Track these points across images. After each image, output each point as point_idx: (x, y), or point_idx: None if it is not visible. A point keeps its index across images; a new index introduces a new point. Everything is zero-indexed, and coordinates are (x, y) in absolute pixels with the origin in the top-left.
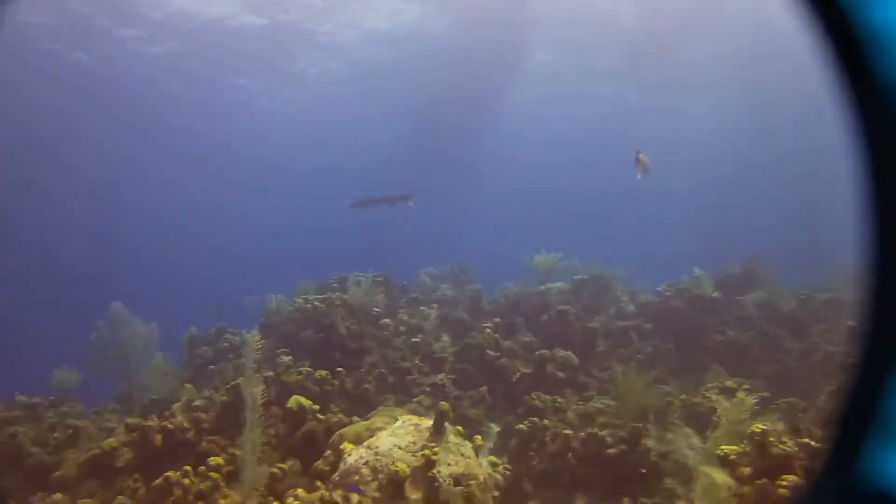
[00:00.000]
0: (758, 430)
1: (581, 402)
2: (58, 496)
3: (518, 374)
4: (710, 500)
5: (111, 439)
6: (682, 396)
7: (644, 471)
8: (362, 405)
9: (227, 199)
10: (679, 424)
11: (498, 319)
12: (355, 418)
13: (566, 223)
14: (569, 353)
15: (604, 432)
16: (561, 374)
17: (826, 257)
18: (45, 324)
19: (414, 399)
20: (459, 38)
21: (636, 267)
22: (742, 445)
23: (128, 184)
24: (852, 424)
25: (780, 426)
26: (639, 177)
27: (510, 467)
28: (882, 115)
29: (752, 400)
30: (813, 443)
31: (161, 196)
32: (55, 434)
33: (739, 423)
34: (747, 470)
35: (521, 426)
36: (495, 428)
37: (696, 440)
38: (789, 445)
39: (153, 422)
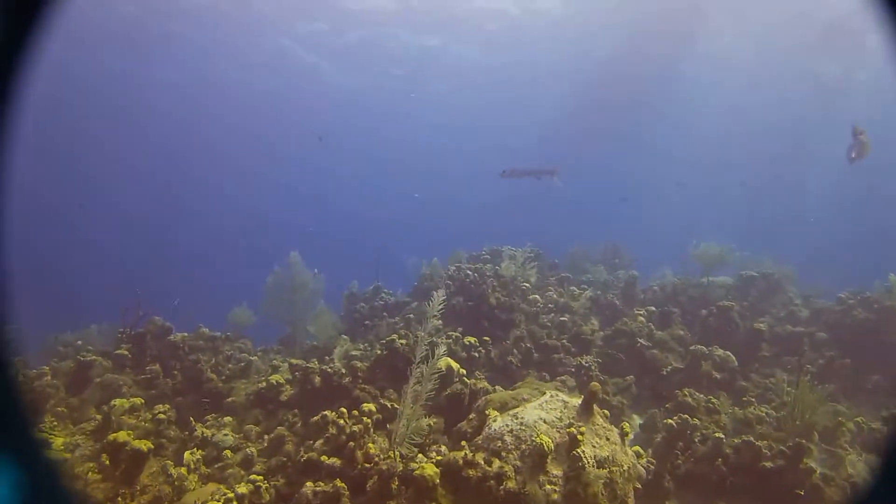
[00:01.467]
0: None
1: (737, 407)
2: (228, 419)
3: (669, 368)
4: None
5: (277, 375)
6: (858, 419)
7: (801, 492)
8: (505, 377)
9: (400, 176)
10: (848, 449)
11: (653, 308)
12: (498, 387)
13: (734, 215)
14: (728, 353)
15: (762, 443)
16: (717, 375)
17: None
18: (229, 264)
19: (558, 378)
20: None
21: (807, 269)
22: None
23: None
24: None
25: None
26: (853, 158)
27: (654, 461)
28: None
29: None
30: None
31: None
32: (230, 365)
33: None
34: None
35: (670, 421)
36: (638, 420)
37: (864, 468)
38: None
39: (314, 365)
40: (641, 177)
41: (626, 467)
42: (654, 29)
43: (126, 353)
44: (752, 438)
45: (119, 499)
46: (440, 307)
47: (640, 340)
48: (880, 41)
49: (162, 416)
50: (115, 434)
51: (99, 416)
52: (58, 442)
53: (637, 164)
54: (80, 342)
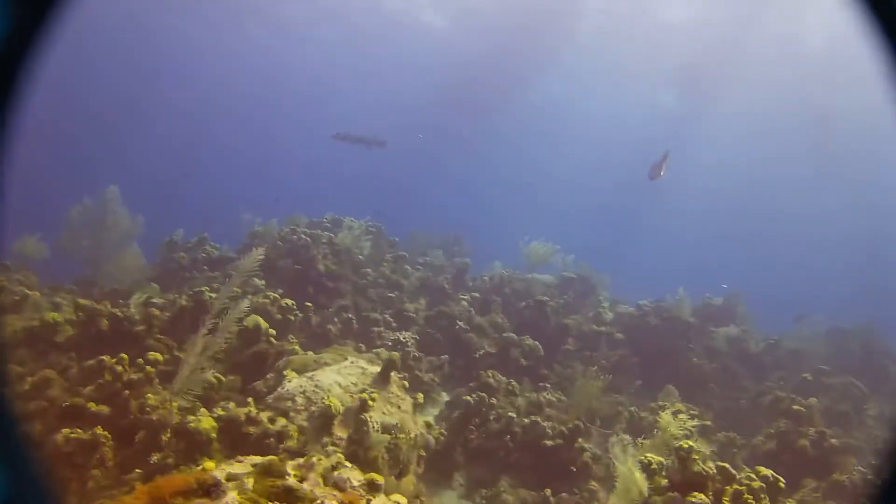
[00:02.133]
0: (685, 447)
1: (535, 392)
2: None
3: (482, 351)
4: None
5: (55, 314)
6: (633, 408)
7: (574, 468)
8: (322, 344)
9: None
10: (622, 434)
11: (476, 295)
12: (310, 353)
13: (571, 218)
14: (536, 343)
15: (546, 423)
16: (523, 361)
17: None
18: (21, 188)
19: (374, 350)
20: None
21: (631, 278)
22: (667, 459)
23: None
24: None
25: (707, 449)
26: (651, 177)
27: (445, 433)
28: None
29: (693, 423)
30: (748, 480)
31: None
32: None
33: (673, 439)
34: (664, 481)
35: (468, 398)
36: (445, 396)
37: (631, 450)
38: (710, 468)
39: (104, 307)
40: (495, 176)
41: (412, 435)
42: (516, 40)
43: None
44: (539, 419)
45: None
46: (256, 265)
47: (460, 323)
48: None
49: None
50: None
51: None
52: None
53: (491, 164)
54: None
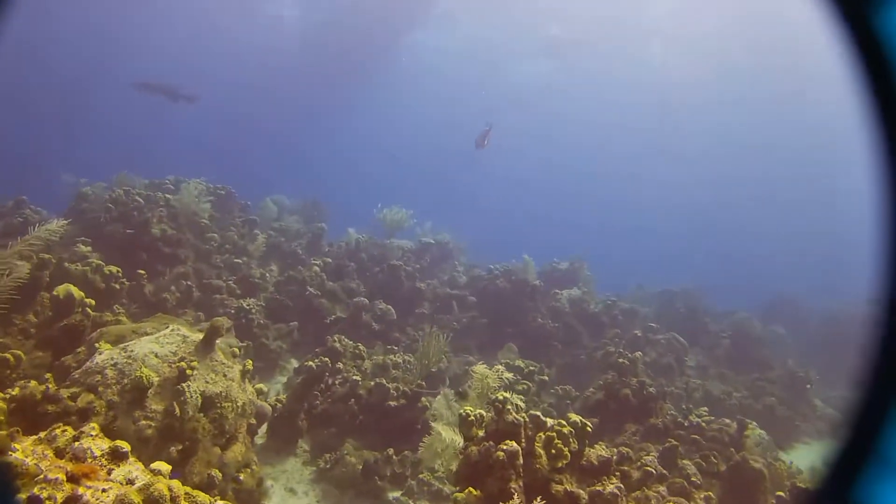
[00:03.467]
0: (500, 398)
1: (383, 355)
2: None
3: (333, 317)
4: (437, 456)
5: None
6: (481, 366)
7: (419, 426)
8: (158, 314)
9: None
10: (468, 392)
11: (329, 260)
12: (129, 323)
13: (428, 185)
14: (389, 307)
15: (391, 385)
16: (376, 326)
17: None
18: None
19: (214, 319)
20: None
21: (485, 244)
22: (484, 410)
23: None
24: (850, 455)
25: (517, 399)
26: (477, 146)
27: (283, 400)
28: None
29: (509, 375)
30: (558, 426)
31: None
32: None
33: (490, 392)
34: (480, 432)
35: (311, 363)
36: (295, 363)
37: (455, 405)
38: (523, 417)
39: None
40: (358, 142)
41: (240, 403)
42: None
43: None
44: (384, 381)
45: None
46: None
47: (310, 289)
48: None
49: None
50: None
51: None
52: None
53: (355, 128)
54: None
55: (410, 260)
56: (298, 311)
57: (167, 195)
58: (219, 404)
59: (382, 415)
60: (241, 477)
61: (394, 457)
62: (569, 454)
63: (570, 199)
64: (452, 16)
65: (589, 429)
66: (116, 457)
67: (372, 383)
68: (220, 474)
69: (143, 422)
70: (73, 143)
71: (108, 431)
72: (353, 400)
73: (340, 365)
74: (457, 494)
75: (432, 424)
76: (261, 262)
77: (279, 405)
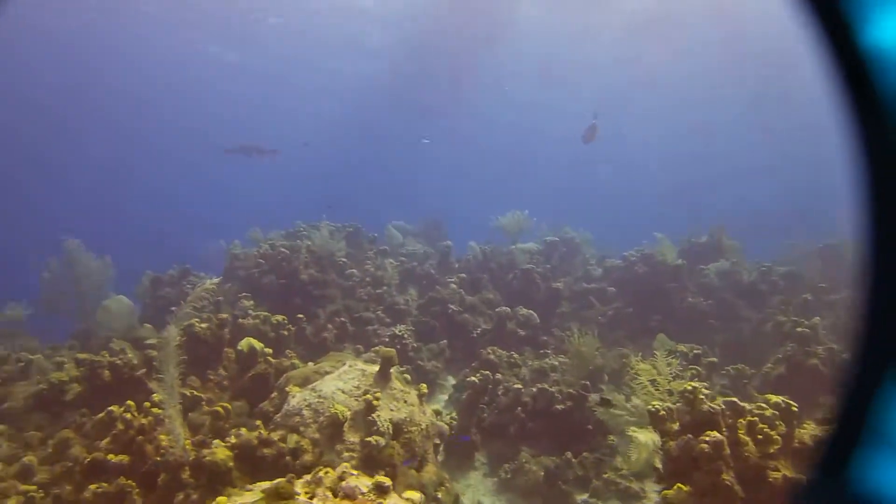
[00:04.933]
0: (689, 388)
1: (537, 360)
2: (1, 427)
3: (479, 330)
4: (638, 455)
5: (60, 373)
6: (638, 358)
7: (590, 427)
8: (321, 353)
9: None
10: (632, 385)
11: (464, 275)
12: (310, 364)
13: (538, 189)
14: (531, 311)
15: (554, 388)
16: (521, 332)
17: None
18: None
19: (372, 349)
20: None
21: (607, 232)
22: (672, 402)
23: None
24: (844, 431)
25: (701, 386)
26: (584, 141)
27: (456, 418)
28: (884, 133)
29: (674, 361)
30: (758, 409)
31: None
32: (5, 367)
33: (671, 382)
34: (675, 426)
35: (473, 378)
36: (452, 381)
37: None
38: (718, 404)
39: (103, 358)
40: (453, 158)
41: (424, 426)
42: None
43: None
44: (546, 386)
45: None
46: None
47: (452, 306)
48: None
49: None
50: None
51: None
52: None
53: (448, 145)
54: None
55: (540, 261)
56: (444, 329)
57: (307, 241)
58: (406, 429)
59: (551, 419)
60: (440, 495)
61: (573, 460)
62: (779, 438)
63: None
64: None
65: (794, 409)
66: (381, 491)
67: (534, 389)
68: (423, 495)
69: (347, 453)
70: (209, 208)
71: (318, 467)
72: (519, 408)
73: (500, 375)
74: (666, 492)
75: (631, 427)
76: (399, 288)
77: (452, 422)
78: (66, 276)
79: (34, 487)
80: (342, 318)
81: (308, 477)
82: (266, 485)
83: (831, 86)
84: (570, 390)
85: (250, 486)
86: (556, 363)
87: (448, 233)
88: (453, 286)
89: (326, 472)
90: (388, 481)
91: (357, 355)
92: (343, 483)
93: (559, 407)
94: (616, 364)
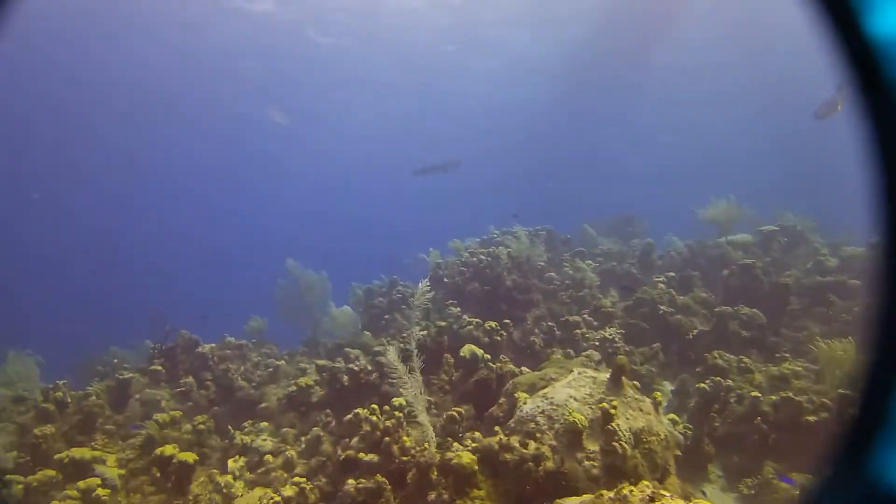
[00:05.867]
0: None
1: (771, 364)
2: (264, 424)
3: (695, 332)
4: None
5: (305, 378)
6: None
7: None
8: (530, 357)
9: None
10: None
11: (672, 274)
12: (524, 369)
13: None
14: (755, 310)
15: (801, 398)
16: (745, 333)
17: None
18: (239, 281)
19: (583, 353)
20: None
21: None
22: None
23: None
24: (864, 424)
25: None
26: (817, 117)
27: (690, 427)
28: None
29: None
30: None
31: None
32: (259, 371)
33: None
34: None
35: (703, 385)
36: (669, 386)
37: None
38: None
39: (340, 364)
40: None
41: (662, 436)
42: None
43: (160, 368)
44: (791, 394)
45: None
46: (426, 296)
47: (662, 307)
48: None
49: (202, 426)
50: (161, 448)
51: (144, 432)
52: (110, 459)
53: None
54: (115, 360)
55: (758, 254)
56: (655, 331)
57: (507, 248)
58: (645, 439)
59: (799, 432)
60: None
61: None
62: None
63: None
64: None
65: None
66: None
67: (775, 398)
68: None
69: (587, 462)
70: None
71: (560, 474)
72: (758, 418)
73: (730, 382)
74: None
75: None
76: (601, 289)
77: (687, 431)
78: (292, 291)
79: (304, 479)
80: (549, 323)
81: (611, 494)
82: (575, 501)
83: (841, 75)
84: (824, 400)
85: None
86: (799, 368)
87: (642, 227)
88: (661, 286)
89: (631, 490)
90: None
91: (567, 359)
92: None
93: (811, 419)
94: None
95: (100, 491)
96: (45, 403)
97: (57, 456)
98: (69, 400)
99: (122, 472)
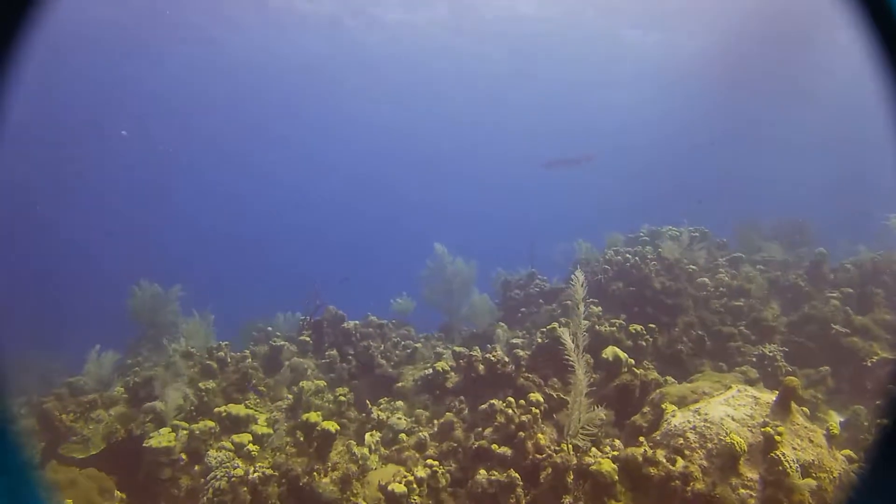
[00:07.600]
0: None
1: None
2: (399, 403)
3: (875, 358)
4: None
5: (441, 363)
6: None
7: None
8: (674, 366)
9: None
10: None
11: (849, 290)
12: (668, 378)
13: None
14: None
15: None
16: None
17: None
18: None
19: (737, 368)
20: None
21: None
22: None
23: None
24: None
25: None
26: None
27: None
28: None
29: None
30: None
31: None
32: (397, 351)
33: None
34: None
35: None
36: (837, 416)
37: None
38: None
39: (477, 353)
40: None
41: (835, 474)
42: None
43: (308, 339)
44: None
45: (314, 473)
46: (584, 291)
47: (836, 327)
48: None
49: (343, 398)
50: (307, 414)
51: (291, 396)
52: (261, 418)
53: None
54: (269, 328)
55: None
56: (823, 353)
57: (658, 248)
58: (815, 475)
59: None
60: None
61: None
62: None
63: None
64: None
65: None
66: None
67: None
68: None
69: (743, 490)
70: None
71: (710, 499)
72: None
73: None
74: None
75: None
76: (761, 301)
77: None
78: (438, 276)
79: (436, 462)
80: (698, 332)
81: None
82: None
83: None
84: None
85: None
86: None
87: (813, 234)
88: (835, 303)
89: None
90: None
91: (718, 371)
92: None
93: None
94: None
95: (251, 447)
96: (209, 361)
97: (216, 409)
98: (229, 360)
99: (270, 431)
